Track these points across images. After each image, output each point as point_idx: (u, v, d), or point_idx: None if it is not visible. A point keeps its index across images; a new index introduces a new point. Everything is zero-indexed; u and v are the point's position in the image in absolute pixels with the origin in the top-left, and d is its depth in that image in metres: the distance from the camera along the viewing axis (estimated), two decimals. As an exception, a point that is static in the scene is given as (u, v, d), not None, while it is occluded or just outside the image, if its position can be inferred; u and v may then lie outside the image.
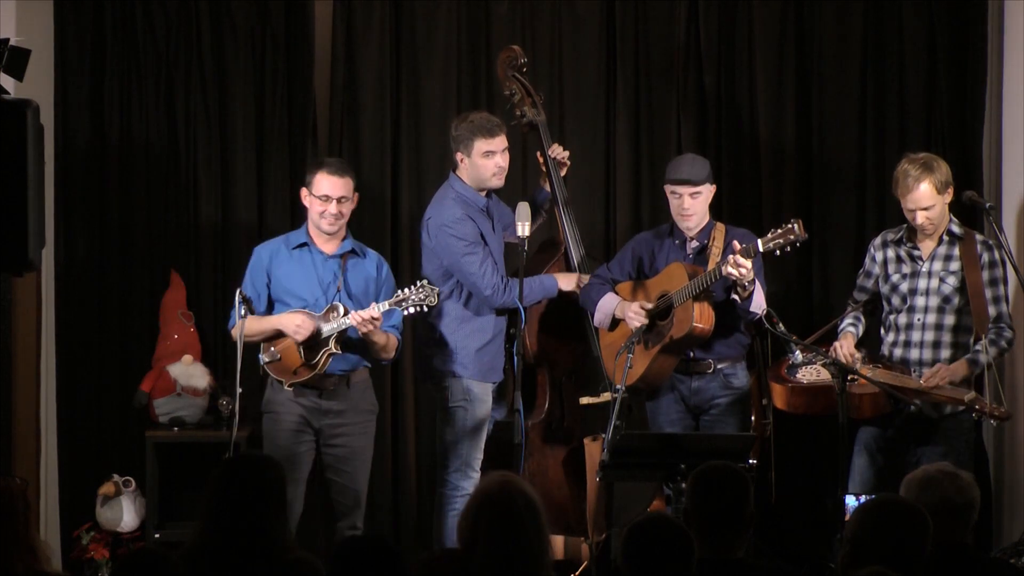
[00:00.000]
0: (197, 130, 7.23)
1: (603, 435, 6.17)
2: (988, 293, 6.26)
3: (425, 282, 6.17)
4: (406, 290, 6.16)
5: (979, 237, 6.36)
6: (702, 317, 6.23)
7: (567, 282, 6.51)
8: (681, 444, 5.74)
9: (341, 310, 6.17)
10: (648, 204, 7.32)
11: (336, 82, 7.25)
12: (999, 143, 7.16)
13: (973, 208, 6.60)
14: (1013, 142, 7.10)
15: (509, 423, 6.44)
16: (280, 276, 6.31)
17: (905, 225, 6.39)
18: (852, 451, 6.30)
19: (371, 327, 6.13)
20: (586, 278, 6.51)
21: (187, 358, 7.03)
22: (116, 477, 7.03)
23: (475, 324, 6.45)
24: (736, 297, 6.21)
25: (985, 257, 6.30)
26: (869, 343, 6.49)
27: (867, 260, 6.52)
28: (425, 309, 6.18)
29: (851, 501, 5.58)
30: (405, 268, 7.16)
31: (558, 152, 6.62)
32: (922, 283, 6.33)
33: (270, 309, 6.30)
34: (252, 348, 6.27)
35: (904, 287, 6.37)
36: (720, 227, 6.41)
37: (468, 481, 6.43)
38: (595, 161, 7.32)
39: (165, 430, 7.00)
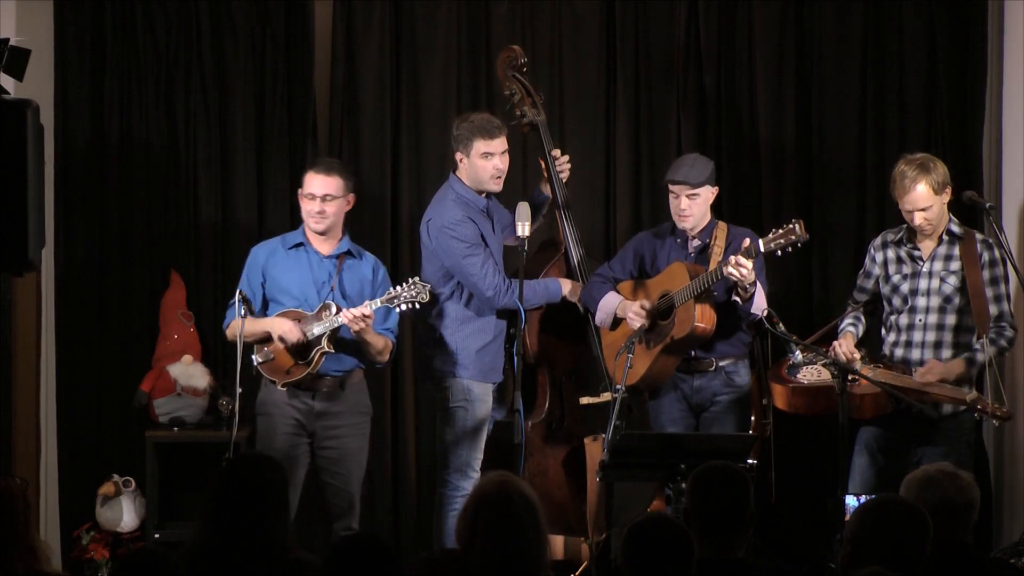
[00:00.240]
0: (197, 130, 7.23)
1: (603, 435, 6.18)
2: (989, 292, 6.26)
3: (417, 279, 6.18)
4: (398, 288, 6.17)
5: (979, 236, 6.36)
6: (703, 317, 6.23)
7: (574, 291, 6.50)
8: (681, 444, 5.74)
9: (333, 308, 6.18)
10: (648, 204, 7.32)
11: (336, 82, 7.25)
12: (999, 143, 7.16)
13: (973, 208, 6.60)
14: (1013, 142, 7.10)
15: (509, 423, 6.44)
16: (276, 275, 6.32)
17: (905, 225, 6.39)
18: (853, 451, 6.30)
19: (363, 325, 6.13)
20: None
21: (187, 358, 7.03)
22: (116, 477, 7.03)
23: (476, 325, 6.45)
24: (737, 299, 6.21)
25: (985, 256, 6.30)
26: (869, 343, 6.49)
27: (867, 260, 6.52)
28: (417, 306, 6.18)
29: (851, 501, 5.58)
30: (405, 268, 7.15)
31: (560, 161, 6.61)
32: (923, 283, 6.33)
33: (265, 309, 6.30)
34: (246, 348, 6.27)
35: (905, 287, 6.36)
36: (722, 227, 6.41)
37: (468, 481, 6.43)
38: (595, 161, 7.32)
39: (165, 430, 7.00)
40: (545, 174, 6.64)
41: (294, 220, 6.92)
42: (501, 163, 6.44)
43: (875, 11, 7.25)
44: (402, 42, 7.28)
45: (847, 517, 4.67)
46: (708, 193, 6.43)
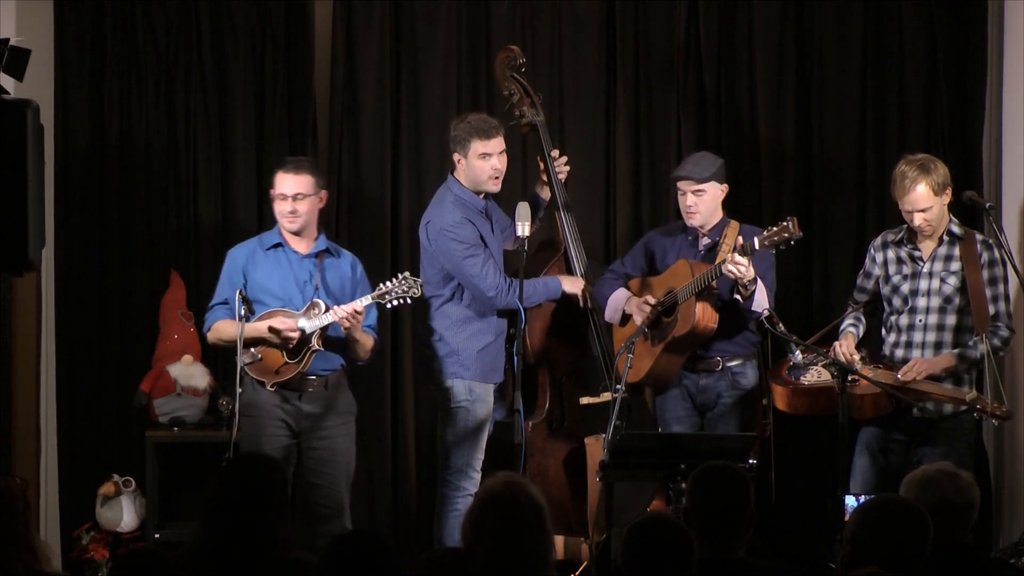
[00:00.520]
0: (197, 130, 7.23)
1: (604, 435, 6.19)
2: (988, 292, 6.26)
3: (407, 273, 6.19)
4: (388, 283, 6.17)
5: (979, 237, 6.36)
6: (705, 315, 6.26)
7: (571, 285, 6.50)
8: (681, 444, 5.74)
9: (322, 307, 6.17)
10: (648, 204, 7.32)
11: (336, 82, 7.25)
12: (999, 143, 7.16)
13: (973, 208, 6.60)
14: (1013, 142, 7.10)
15: (509, 423, 6.44)
16: (257, 276, 6.30)
17: (905, 226, 6.39)
18: (853, 451, 6.31)
19: (354, 322, 6.13)
20: (583, 284, 6.51)
21: (187, 358, 7.02)
22: (116, 477, 7.03)
23: (477, 326, 6.45)
24: (738, 296, 6.22)
25: (985, 256, 6.30)
26: (870, 344, 6.49)
27: (867, 261, 6.52)
28: (408, 301, 6.19)
29: (851, 501, 5.58)
30: (405, 268, 7.11)
31: (558, 162, 6.61)
32: (923, 284, 6.33)
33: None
34: (232, 351, 6.28)
35: (905, 288, 6.36)
36: (734, 225, 6.43)
37: (469, 482, 6.43)
38: (595, 161, 7.32)
39: (165, 430, 7.00)
40: (544, 175, 6.64)
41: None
42: (499, 163, 6.44)
43: (875, 11, 7.25)
44: (402, 42, 7.28)
45: (847, 517, 4.67)
46: (715, 190, 6.44)
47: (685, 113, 7.28)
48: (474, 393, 6.44)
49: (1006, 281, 6.33)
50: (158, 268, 7.23)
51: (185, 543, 4.28)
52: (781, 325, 6.15)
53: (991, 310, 6.26)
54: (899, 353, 6.35)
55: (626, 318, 6.49)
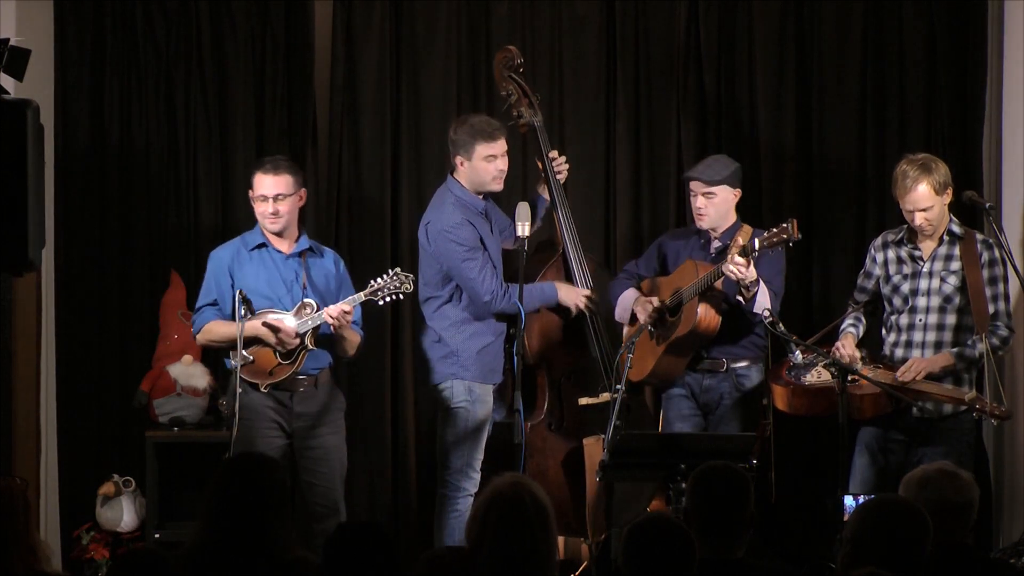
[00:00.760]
0: (197, 130, 7.23)
1: (604, 435, 6.19)
2: (988, 291, 6.26)
3: (398, 269, 6.19)
4: (380, 279, 6.17)
5: (979, 236, 6.36)
6: (707, 315, 6.29)
7: (567, 294, 6.50)
8: (681, 444, 5.74)
9: (314, 306, 6.17)
10: (648, 204, 7.32)
11: (336, 82, 7.25)
12: (999, 143, 7.16)
13: (973, 208, 6.60)
14: (1013, 142, 7.09)
15: (509, 424, 6.45)
16: (244, 277, 6.28)
17: (905, 226, 6.39)
18: (853, 451, 6.31)
19: (344, 321, 6.13)
20: (584, 294, 6.49)
21: (187, 358, 7.02)
22: (116, 477, 7.03)
23: (476, 327, 6.45)
24: (740, 298, 6.24)
25: (985, 256, 6.30)
26: (870, 344, 6.49)
27: (867, 261, 6.52)
28: (401, 297, 6.20)
29: (850, 501, 5.58)
30: (405, 268, 7.12)
31: (557, 162, 6.61)
32: (923, 283, 6.33)
33: (234, 312, 6.26)
34: (220, 353, 6.28)
35: (905, 288, 6.36)
36: (746, 229, 6.44)
37: (469, 482, 6.43)
38: (595, 161, 7.32)
39: (165, 430, 7.00)
40: (542, 175, 6.64)
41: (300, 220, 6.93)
42: (503, 164, 6.45)
43: (875, 11, 7.25)
44: (402, 42, 7.28)
45: (847, 517, 4.67)
46: (727, 193, 6.46)
47: (685, 113, 7.28)
48: (473, 394, 6.44)
49: (1006, 281, 6.33)
50: (158, 268, 7.23)
51: (185, 543, 4.28)
52: (781, 325, 6.16)
53: (991, 309, 6.26)
54: (899, 353, 6.35)
55: (635, 317, 6.53)
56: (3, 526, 4.25)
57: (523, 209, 6.32)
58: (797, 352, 6.26)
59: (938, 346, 6.30)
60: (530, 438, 6.46)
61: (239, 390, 6.06)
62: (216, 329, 6.27)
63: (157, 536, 6.85)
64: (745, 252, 6.12)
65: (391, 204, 7.29)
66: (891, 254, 6.42)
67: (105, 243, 7.24)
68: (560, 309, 6.54)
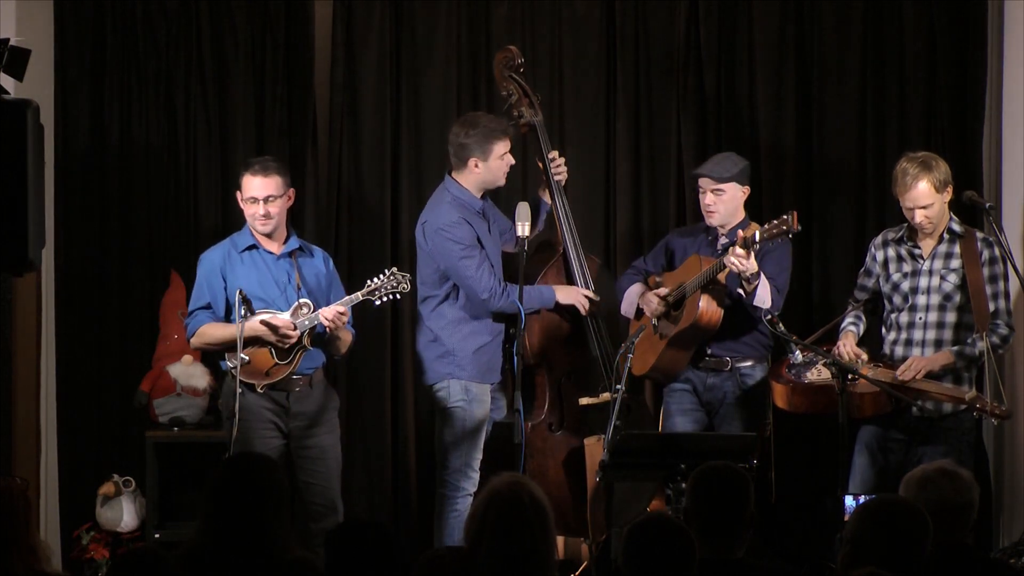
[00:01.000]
0: (197, 130, 7.23)
1: (604, 435, 6.20)
2: (988, 290, 6.26)
3: (395, 269, 6.20)
4: (377, 279, 6.18)
5: (979, 235, 6.36)
6: (708, 308, 6.31)
7: (566, 296, 6.50)
8: (681, 444, 5.75)
9: (310, 306, 6.17)
10: (648, 204, 7.32)
11: (336, 82, 7.25)
12: (999, 143, 7.16)
13: (973, 208, 6.60)
14: (1013, 142, 7.09)
15: (509, 424, 6.45)
16: (236, 279, 6.26)
17: (906, 224, 6.40)
18: (853, 451, 6.31)
19: (340, 322, 6.14)
20: (584, 293, 6.50)
21: (187, 358, 7.02)
22: (116, 477, 7.03)
23: (473, 326, 6.45)
24: (741, 291, 6.25)
25: (985, 254, 6.30)
26: (870, 342, 6.49)
27: (868, 259, 6.52)
28: (398, 297, 6.20)
29: (851, 501, 5.58)
30: (405, 268, 7.11)
31: (557, 162, 6.61)
32: (923, 281, 6.33)
33: (228, 314, 6.26)
34: (216, 355, 6.27)
35: (905, 286, 6.37)
36: (754, 227, 6.44)
37: (468, 481, 6.43)
38: (595, 161, 7.32)
39: (165, 430, 7.00)
40: (543, 176, 6.64)
41: (295, 221, 6.92)
42: (511, 159, 6.46)
43: (875, 11, 7.25)
44: (402, 42, 7.28)
45: (847, 517, 4.67)
46: (736, 191, 6.49)
47: (685, 113, 7.28)
48: (470, 393, 6.44)
49: (1006, 279, 6.33)
50: (158, 268, 7.23)
51: (185, 543, 4.28)
52: (781, 325, 6.16)
53: (991, 308, 6.26)
54: (899, 351, 6.35)
55: (640, 312, 6.55)
56: (3, 526, 4.25)
57: (523, 209, 6.32)
58: (797, 352, 6.26)
59: (938, 344, 6.30)
60: (530, 438, 6.46)
61: (238, 390, 6.06)
62: (211, 332, 6.26)
63: (157, 536, 6.85)
64: (746, 244, 6.14)
65: (391, 204, 7.29)
66: (891, 252, 6.42)
67: (105, 243, 7.24)
68: (562, 309, 6.54)
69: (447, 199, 6.45)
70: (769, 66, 7.26)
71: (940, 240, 6.33)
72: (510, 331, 6.48)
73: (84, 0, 7.17)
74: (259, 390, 6.20)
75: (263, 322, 6.13)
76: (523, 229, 6.29)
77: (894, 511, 4.25)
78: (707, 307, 6.32)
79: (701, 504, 4.33)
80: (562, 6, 7.31)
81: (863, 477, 6.31)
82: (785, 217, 6.12)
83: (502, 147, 6.40)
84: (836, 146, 7.28)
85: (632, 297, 6.59)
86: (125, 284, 7.25)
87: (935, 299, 6.31)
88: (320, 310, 6.14)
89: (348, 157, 7.26)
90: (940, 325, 6.31)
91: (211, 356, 7.01)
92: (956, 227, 6.33)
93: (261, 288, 6.26)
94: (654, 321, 6.48)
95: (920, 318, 6.33)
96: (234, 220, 7.21)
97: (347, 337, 6.33)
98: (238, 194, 6.33)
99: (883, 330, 6.45)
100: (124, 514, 6.99)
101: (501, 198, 6.79)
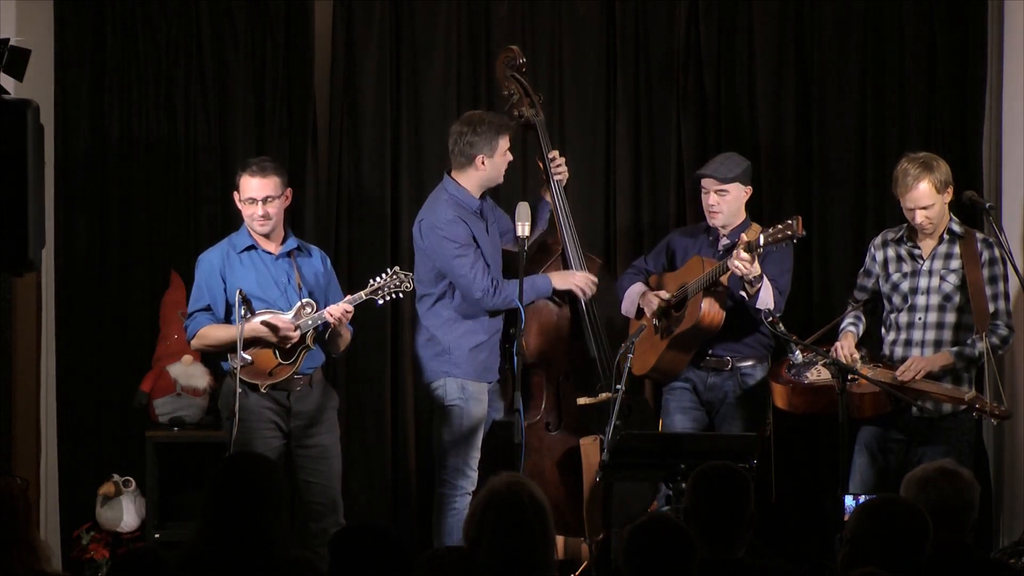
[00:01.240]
0: (197, 130, 7.23)
1: (601, 436, 6.21)
2: (988, 290, 6.27)
3: (397, 268, 6.20)
4: (379, 278, 6.18)
5: (979, 235, 6.36)
6: (710, 310, 6.31)
7: (561, 280, 6.50)
8: (681, 444, 5.75)
9: (314, 306, 6.18)
10: (648, 204, 7.32)
11: (336, 82, 7.25)
12: (999, 143, 7.16)
13: (973, 208, 6.60)
14: (1013, 142, 7.10)
15: (507, 423, 6.46)
16: (236, 280, 6.26)
17: (905, 224, 6.40)
18: (852, 451, 6.31)
19: (348, 318, 6.15)
20: (581, 275, 6.51)
21: (187, 358, 7.02)
22: (116, 477, 7.02)
23: (468, 325, 6.45)
24: (743, 293, 6.26)
25: (985, 255, 6.30)
26: (869, 342, 6.49)
27: (867, 259, 6.52)
28: (400, 296, 6.21)
29: (851, 501, 5.58)
30: (405, 268, 7.12)
31: (557, 163, 6.61)
32: (923, 282, 6.33)
33: (228, 315, 6.25)
34: (218, 356, 6.26)
35: (905, 286, 6.37)
36: (755, 228, 6.46)
37: (466, 480, 6.43)
38: (595, 161, 7.32)
39: (165, 430, 7.00)
40: (543, 176, 6.64)
41: (295, 221, 6.92)
42: (510, 155, 6.47)
43: (875, 11, 7.25)
44: (402, 42, 7.28)
45: (847, 517, 4.67)
46: (739, 191, 6.50)
47: (685, 113, 7.28)
48: (467, 391, 6.44)
49: (1006, 280, 6.33)
50: (158, 268, 7.23)
51: (184, 543, 4.28)
52: (781, 325, 6.17)
53: (991, 309, 6.26)
54: (899, 351, 6.35)
55: (641, 312, 6.55)
56: (3, 526, 4.25)
57: (523, 209, 6.32)
58: (797, 352, 6.27)
59: (937, 345, 6.30)
60: (527, 437, 6.46)
61: (238, 390, 6.06)
62: (211, 333, 6.26)
63: (157, 536, 6.85)
64: (750, 248, 6.14)
65: (391, 204, 7.29)
66: (891, 252, 6.42)
67: (105, 243, 7.24)
68: (558, 309, 6.53)
69: (444, 197, 6.45)
70: (769, 66, 7.27)
71: (940, 240, 6.33)
72: (510, 331, 6.48)
73: (84, 0, 7.17)
74: (263, 390, 6.20)
75: (264, 323, 6.13)
76: (523, 229, 6.29)
77: (894, 511, 4.25)
78: (709, 309, 6.32)
79: (701, 504, 4.33)
80: (562, 6, 7.31)
81: (863, 477, 6.31)
82: (789, 222, 6.12)
83: (506, 142, 6.43)
84: (836, 146, 7.28)
85: (633, 297, 6.59)
86: (125, 284, 7.25)
87: (935, 299, 6.32)
88: (327, 308, 6.15)
89: (348, 157, 7.26)
90: (940, 325, 6.31)
91: (211, 356, 7.02)
92: (956, 227, 6.33)
93: (260, 288, 6.26)
94: (655, 321, 6.48)
95: (920, 318, 6.33)
96: (234, 220, 7.19)
97: (347, 335, 6.34)
98: (236, 195, 6.32)
99: (883, 330, 6.45)
100: (124, 514, 6.99)
101: (501, 198, 6.79)
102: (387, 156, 7.28)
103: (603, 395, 6.44)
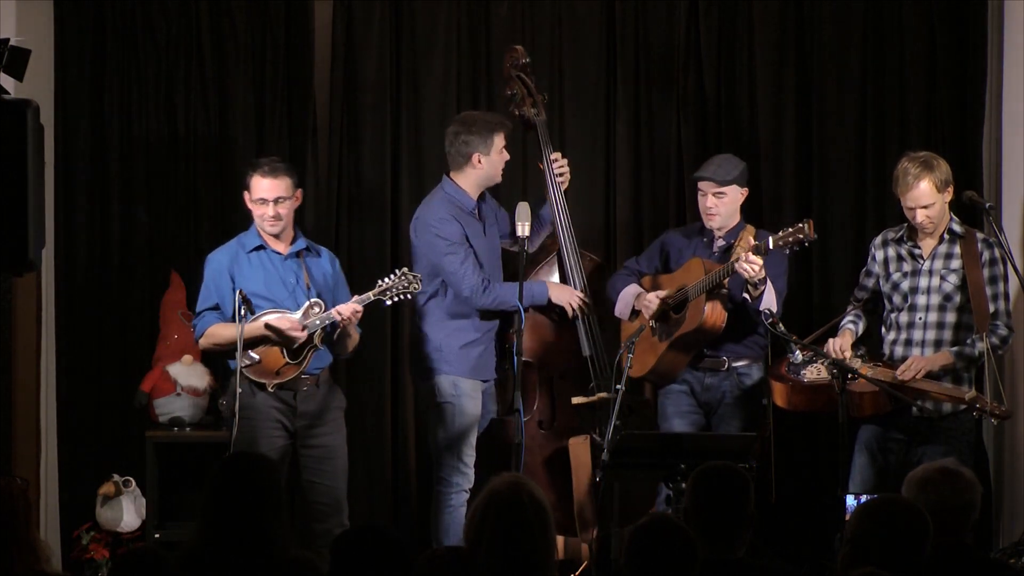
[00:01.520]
0: (197, 130, 7.23)
1: (590, 435, 6.22)
2: (988, 291, 6.26)
3: (406, 269, 6.21)
4: (388, 279, 6.18)
5: (980, 235, 6.36)
6: (713, 313, 6.29)
7: (558, 294, 6.51)
8: (681, 444, 5.75)
9: (322, 306, 6.18)
10: (648, 204, 7.32)
11: (336, 82, 7.25)
12: (999, 143, 7.16)
13: (973, 208, 6.60)
14: (1013, 142, 7.10)
15: (504, 422, 6.47)
16: (244, 280, 6.27)
17: (906, 224, 6.40)
18: (852, 450, 6.30)
19: (358, 318, 6.15)
20: (577, 294, 6.50)
21: (187, 358, 7.02)
22: (116, 477, 7.02)
23: (459, 323, 6.48)
24: (747, 296, 6.25)
25: (986, 255, 6.30)
26: (870, 342, 6.49)
27: (868, 259, 6.52)
28: (408, 297, 6.20)
29: (851, 501, 5.58)
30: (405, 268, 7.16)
31: (558, 163, 6.61)
32: (923, 282, 6.33)
33: (235, 314, 6.26)
34: (227, 355, 6.26)
35: (905, 286, 6.37)
36: (750, 229, 6.46)
37: (462, 477, 6.45)
38: (595, 161, 7.32)
39: (165, 430, 7.00)
40: (546, 176, 6.65)
41: (295, 221, 6.92)
42: (507, 153, 6.47)
43: (875, 11, 7.25)
44: (402, 42, 7.28)
45: (847, 517, 4.67)
46: (736, 193, 6.49)
47: (685, 113, 7.28)
48: (459, 389, 6.46)
49: (1006, 280, 6.33)
50: (158, 268, 7.23)
51: (184, 543, 4.28)
52: (781, 325, 6.17)
53: (991, 309, 6.26)
54: (899, 351, 6.35)
55: (635, 313, 6.53)
56: (3, 526, 4.25)
57: (523, 209, 6.33)
58: (797, 352, 6.27)
59: (938, 344, 6.30)
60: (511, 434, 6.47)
61: (239, 390, 6.06)
62: (219, 332, 6.26)
63: (157, 536, 6.85)
64: (759, 251, 6.13)
65: (391, 204, 7.29)
66: (891, 252, 6.42)
67: (105, 243, 7.24)
68: (553, 308, 6.54)
69: (439, 196, 6.50)
70: (769, 66, 7.27)
71: (940, 240, 6.33)
72: (510, 331, 6.48)
73: (84, 0, 7.17)
74: (270, 389, 6.21)
75: (267, 325, 6.14)
76: (523, 229, 6.30)
77: (894, 511, 4.25)
78: (712, 311, 6.31)
79: (701, 504, 4.33)
80: (562, 6, 7.31)
81: (863, 477, 6.31)
82: (801, 225, 6.10)
83: (501, 140, 6.45)
84: (836, 146, 7.28)
85: (628, 298, 6.56)
86: (125, 284, 7.25)
87: (935, 299, 6.31)
88: (336, 307, 6.15)
89: (348, 157, 7.26)
90: (940, 325, 6.31)
91: (211, 356, 7.03)
92: (956, 227, 6.33)
93: (268, 288, 6.27)
94: (652, 324, 6.46)
95: (920, 318, 6.33)
96: (234, 220, 7.20)
97: (356, 336, 6.34)
98: (246, 195, 6.32)
99: (883, 330, 6.45)
100: (124, 514, 6.99)
101: (501, 198, 6.79)
102: (387, 156, 7.28)
103: (601, 394, 6.44)
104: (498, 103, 7.02)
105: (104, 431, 7.22)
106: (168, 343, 7.11)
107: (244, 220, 7.17)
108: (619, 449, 5.73)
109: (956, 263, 6.30)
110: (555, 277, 6.64)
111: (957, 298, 6.29)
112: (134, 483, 7.03)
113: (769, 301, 6.26)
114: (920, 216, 6.26)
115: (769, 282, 6.28)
